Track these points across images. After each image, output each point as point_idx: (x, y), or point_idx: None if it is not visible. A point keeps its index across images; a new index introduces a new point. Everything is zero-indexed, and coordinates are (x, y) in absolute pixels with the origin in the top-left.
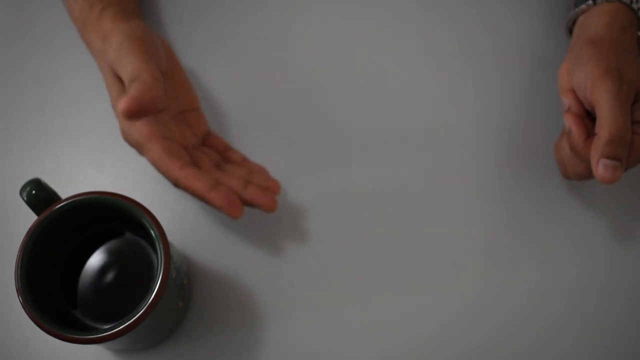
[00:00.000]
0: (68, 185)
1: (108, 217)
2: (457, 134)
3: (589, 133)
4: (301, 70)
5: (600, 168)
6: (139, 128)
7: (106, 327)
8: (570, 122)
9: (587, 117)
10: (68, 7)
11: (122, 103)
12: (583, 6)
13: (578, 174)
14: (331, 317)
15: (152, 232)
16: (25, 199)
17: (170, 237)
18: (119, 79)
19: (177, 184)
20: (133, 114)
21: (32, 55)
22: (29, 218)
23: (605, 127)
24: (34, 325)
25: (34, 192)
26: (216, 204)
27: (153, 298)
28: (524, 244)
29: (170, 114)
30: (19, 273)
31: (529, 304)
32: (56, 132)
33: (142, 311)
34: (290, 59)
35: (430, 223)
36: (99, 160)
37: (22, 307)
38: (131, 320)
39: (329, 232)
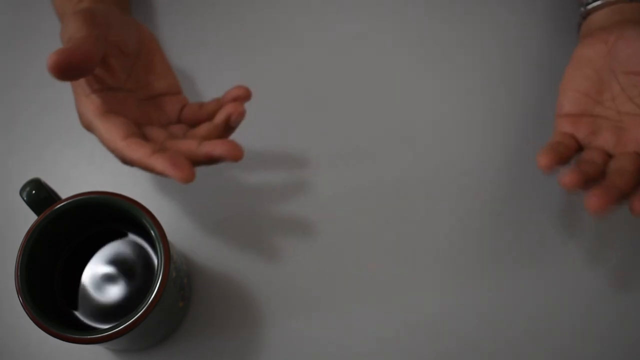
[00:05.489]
0: (68, 185)
1: (108, 217)
2: (460, 134)
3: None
4: (299, 69)
5: None
6: (90, 104)
7: (106, 327)
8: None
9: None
10: (52, 1)
11: (49, 57)
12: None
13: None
14: (331, 317)
15: (152, 232)
16: (25, 199)
17: (170, 237)
18: None
19: (123, 159)
20: (61, 69)
21: (32, 56)
22: (29, 218)
23: None
24: (34, 325)
25: (34, 192)
26: (159, 168)
27: (153, 298)
28: (524, 246)
29: (135, 97)
30: (19, 273)
31: (528, 306)
32: (56, 132)
33: (142, 311)
34: (289, 57)
35: (432, 224)
36: (99, 160)
37: (22, 307)
38: (131, 320)
39: (329, 232)
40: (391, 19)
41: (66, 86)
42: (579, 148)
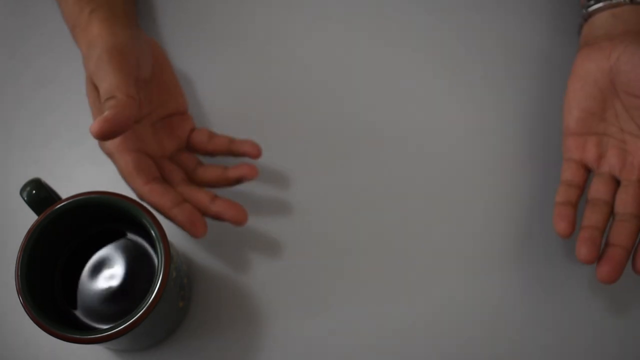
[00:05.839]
0: (68, 185)
1: (108, 217)
2: (460, 136)
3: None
4: (300, 72)
5: None
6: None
7: (106, 327)
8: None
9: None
10: (60, 8)
11: (95, 126)
12: (613, 1)
13: None
14: (331, 317)
15: (152, 231)
16: (25, 198)
17: (170, 237)
18: (97, 90)
19: (142, 199)
20: (105, 136)
21: (32, 55)
22: (29, 218)
23: None
24: (34, 325)
25: (34, 192)
26: (178, 222)
27: (153, 298)
28: (524, 246)
29: (150, 121)
30: (19, 273)
31: (529, 306)
32: (56, 132)
33: (142, 311)
34: (289, 60)
35: (431, 223)
36: (99, 160)
37: (22, 307)
38: (131, 320)
39: (329, 232)
40: (393, 23)
41: (66, 87)
42: (588, 172)
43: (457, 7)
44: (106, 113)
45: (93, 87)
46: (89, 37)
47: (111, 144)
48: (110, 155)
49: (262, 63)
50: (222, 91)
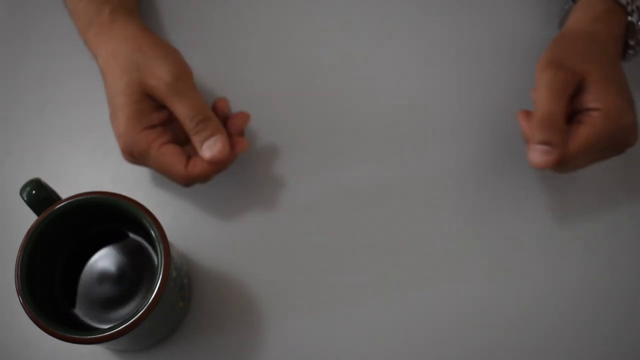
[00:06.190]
0: (68, 185)
1: (108, 217)
2: (456, 133)
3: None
4: (301, 71)
5: (531, 153)
6: (145, 137)
7: (106, 327)
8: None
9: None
10: (70, 7)
11: (221, 152)
12: (572, 3)
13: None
14: (331, 316)
15: (152, 232)
16: (25, 199)
17: (170, 237)
18: (143, 94)
19: (188, 180)
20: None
21: (32, 55)
22: (29, 218)
23: (536, 113)
24: (34, 325)
25: (34, 192)
26: (237, 152)
27: (153, 298)
28: (525, 245)
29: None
30: (19, 273)
31: (527, 302)
32: (56, 132)
33: (142, 311)
34: (290, 60)
35: (430, 222)
36: (100, 160)
37: (22, 307)
38: (131, 320)
39: (329, 232)
40: (388, 21)
41: (66, 87)
42: None
43: (456, 6)
44: (221, 137)
45: (137, 92)
46: (115, 34)
47: (145, 143)
48: (144, 154)
49: (261, 63)
50: (221, 91)
